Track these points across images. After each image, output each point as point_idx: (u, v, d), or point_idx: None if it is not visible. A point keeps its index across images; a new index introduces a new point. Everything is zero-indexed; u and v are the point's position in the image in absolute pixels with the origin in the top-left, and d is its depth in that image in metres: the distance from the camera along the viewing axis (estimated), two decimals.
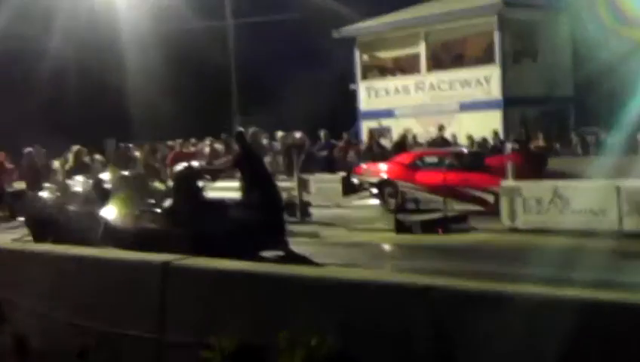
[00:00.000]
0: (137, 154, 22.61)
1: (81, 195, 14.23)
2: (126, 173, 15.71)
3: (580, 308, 4.70)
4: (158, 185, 14.59)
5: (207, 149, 23.33)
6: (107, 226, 12.66)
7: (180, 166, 13.76)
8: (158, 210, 12.49)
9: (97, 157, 21.19)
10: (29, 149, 21.23)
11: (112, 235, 12.30)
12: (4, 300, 8.20)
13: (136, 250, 8.27)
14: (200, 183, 13.35)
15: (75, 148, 19.48)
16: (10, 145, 22.97)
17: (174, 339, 6.46)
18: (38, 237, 14.12)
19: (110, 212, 12.89)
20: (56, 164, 23.32)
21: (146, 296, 6.83)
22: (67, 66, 33.85)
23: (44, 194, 15.67)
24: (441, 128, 25.05)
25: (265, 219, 12.70)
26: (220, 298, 6.37)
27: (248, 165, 13.08)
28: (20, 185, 21.22)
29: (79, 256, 8.25)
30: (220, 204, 13.35)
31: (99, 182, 14.11)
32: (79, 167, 17.99)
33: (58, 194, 15.05)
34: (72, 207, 13.94)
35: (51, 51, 32.63)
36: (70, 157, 19.62)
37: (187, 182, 12.92)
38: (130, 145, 23.78)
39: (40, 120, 30.84)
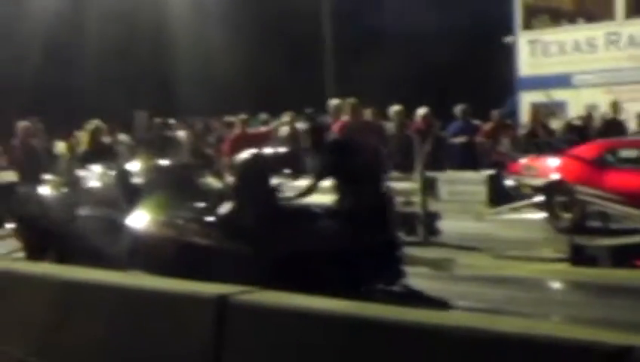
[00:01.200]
0: (181, 134, 22.96)
1: (99, 193, 14.31)
2: (165, 162, 15.83)
3: None
4: (212, 180, 14.60)
5: (284, 130, 23.46)
6: (137, 239, 12.76)
7: (246, 154, 13.76)
8: (212, 218, 12.58)
9: (122, 137, 21.58)
10: (23, 123, 21.68)
11: (144, 253, 12.42)
12: None
13: (178, 276, 8.27)
14: (275, 180, 13.41)
15: (92, 124, 19.55)
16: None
17: None
18: (34, 253, 14.30)
19: (141, 218, 12.99)
20: (60, 146, 23.80)
21: (194, 342, 6.91)
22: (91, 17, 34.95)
23: (44, 189, 15.78)
24: (614, 106, 24.63)
25: (371, 237, 12.71)
26: (298, 348, 6.38)
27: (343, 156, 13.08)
28: (8, 175, 21.65)
29: (96, 282, 8.37)
30: (304, 213, 13.40)
31: (125, 175, 14.16)
32: (96, 152, 18.04)
33: (65, 190, 15.17)
34: (84, 210, 14.00)
35: None
36: (84, 136, 19.79)
37: (256, 179, 12.96)
38: (172, 121, 24.18)
39: (42, 82, 31.76)
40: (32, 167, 19.71)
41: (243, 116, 22.93)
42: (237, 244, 11.85)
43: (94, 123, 19.16)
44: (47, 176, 18.44)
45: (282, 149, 16.23)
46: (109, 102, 27.87)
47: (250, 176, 12.98)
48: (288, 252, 11.50)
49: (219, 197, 13.12)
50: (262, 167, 13.31)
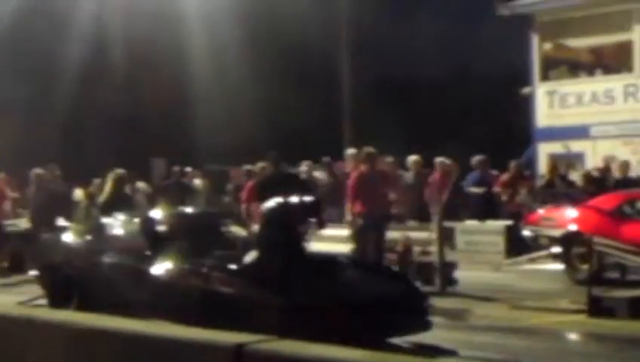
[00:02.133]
0: (198, 182, 23.00)
1: (123, 240, 14.27)
2: (188, 209, 15.82)
3: None
4: (236, 229, 14.55)
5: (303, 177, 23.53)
6: (161, 288, 12.75)
7: (272, 202, 13.74)
8: (237, 267, 12.57)
9: (140, 185, 21.57)
10: (38, 170, 21.70)
11: (168, 301, 12.36)
12: None
13: (202, 325, 8.22)
14: (301, 228, 13.41)
15: (116, 173, 19.47)
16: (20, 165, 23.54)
17: None
18: (56, 300, 14.16)
19: (165, 266, 12.99)
20: (78, 193, 23.84)
21: None
22: (105, 62, 35.08)
23: (67, 236, 15.72)
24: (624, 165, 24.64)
25: (398, 287, 12.73)
26: None
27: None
28: (22, 222, 21.66)
29: (117, 330, 8.35)
30: (330, 262, 13.41)
31: (149, 222, 14.15)
32: (118, 200, 18.07)
33: (88, 237, 15.10)
34: (108, 258, 13.91)
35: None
36: (107, 184, 19.75)
37: (281, 227, 12.96)
38: (189, 169, 24.23)
39: (63, 130, 31.89)
40: (47, 213, 19.73)
41: (262, 164, 22.88)
42: (263, 293, 11.81)
43: (118, 172, 19.09)
44: (64, 223, 18.50)
45: (308, 198, 16.17)
46: (125, 149, 27.91)
47: (276, 224, 12.99)
48: (315, 301, 11.48)
49: (244, 245, 13.14)
50: (288, 216, 13.32)
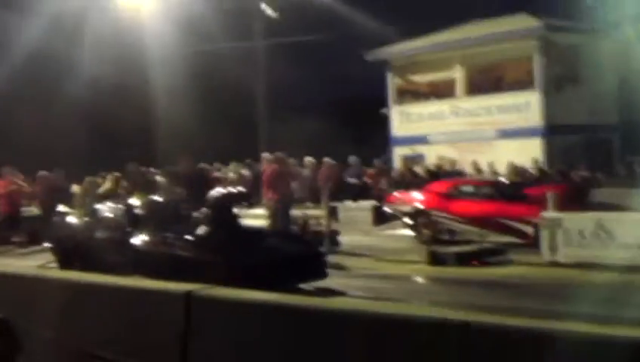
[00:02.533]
0: (159, 178, 22.70)
1: (111, 221, 14.10)
2: (157, 197, 15.69)
3: (634, 349, 4.61)
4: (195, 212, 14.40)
5: (231, 175, 23.39)
6: (137, 254, 12.64)
7: (215, 192, 13.76)
8: (191, 237, 12.48)
9: (123, 182, 21.25)
10: (42, 172, 21.37)
11: (142, 263, 12.24)
12: (20, 328, 8.20)
13: (167, 278, 8.16)
14: (235, 209, 13.42)
15: (114, 174, 19.55)
16: (31, 166, 22.97)
17: None
18: (64, 264, 14.01)
19: (140, 238, 12.91)
20: (75, 187, 23.44)
21: (167, 327, 6.79)
22: (93, 86, 34.32)
23: (71, 218, 15.57)
24: (439, 163, 25.21)
25: (304, 249, 12.78)
26: (247, 330, 6.32)
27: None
28: (33, 210, 21.22)
29: (99, 283, 8.24)
30: (256, 232, 13.41)
31: (129, 207, 14.05)
32: (114, 193, 18.02)
33: (86, 219, 14.92)
34: (100, 233, 13.84)
35: (79, 72, 33.21)
36: (108, 182, 19.58)
37: (222, 209, 12.94)
38: (152, 169, 23.91)
39: (63, 140, 31.22)
40: (52, 202, 19.47)
41: (203, 166, 22.80)
42: (209, 256, 11.81)
43: (116, 174, 19.36)
44: (63, 208, 18.22)
45: (240, 188, 16.20)
46: (109, 156, 27.46)
47: (219, 207, 12.97)
48: (247, 261, 11.52)
49: (195, 222, 13.09)
50: (227, 201, 13.32)
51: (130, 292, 7.62)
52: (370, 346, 5.59)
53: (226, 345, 6.34)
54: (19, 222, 21.03)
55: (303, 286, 11.81)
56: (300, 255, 12.55)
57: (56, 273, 11.91)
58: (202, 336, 6.58)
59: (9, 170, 21.60)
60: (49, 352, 7.67)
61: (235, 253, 11.83)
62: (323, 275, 12.28)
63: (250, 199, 16.01)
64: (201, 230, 12.58)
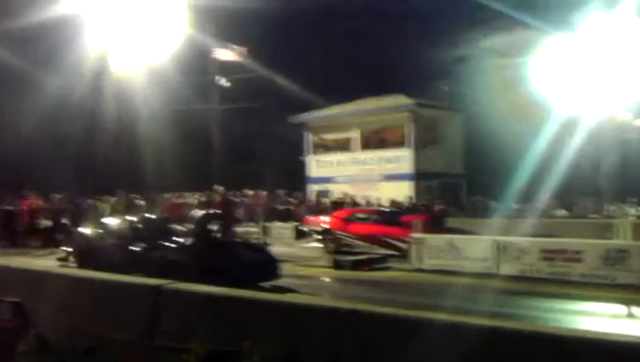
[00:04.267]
0: (141, 202, 22.24)
1: (116, 232, 13.48)
2: (151, 215, 15.27)
3: (478, 333, 4.67)
4: (178, 226, 13.85)
5: (193, 201, 23.05)
6: (139, 257, 12.13)
7: (199, 212, 13.48)
8: (178, 246, 12.12)
9: (118, 205, 20.75)
10: (55, 195, 20.73)
11: (143, 263, 11.68)
12: (31, 310, 7.91)
13: (157, 276, 7.84)
14: (214, 226, 13.15)
15: (122, 195, 19.05)
16: (41, 187, 22.16)
17: (161, 344, 6.28)
18: (81, 264, 13.28)
19: (139, 245, 12.44)
20: (98, 204, 22.85)
21: (141, 310, 6.65)
22: (93, 129, 33.36)
23: (86, 229, 14.67)
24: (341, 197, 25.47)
25: (264, 256, 12.56)
26: (199, 313, 6.24)
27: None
28: (47, 223, 20.45)
29: (90, 277, 8.03)
30: (229, 243, 13.13)
31: (131, 222, 13.49)
32: (119, 210, 17.55)
33: (98, 230, 14.14)
34: (108, 241, 13.20)
35: (82, 119, 32.27)
36: (114, 202, 19.10)
37: (204, 225, 12.66)
38: (136, 195, 23.41)
39: (69, 170, 30.22)
40: (61, 217, 18.94)
41: (175, 194, 22.55)
42: (192, 260, 11.48)
43: (124, 195, 18.87)
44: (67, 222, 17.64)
45: (216, 210, 15.90)
46: (103, 184, 26.67)
47: (201, 223, 12.68)
48: (216, 263, 11.23)
49: (184, 234, 12.76)
50: (206, 219, 13.05)
51: (115, 284, 7.45)
52: (285, 326, 5.57)
53: (185, 323, 6.24)
54: (36, 232, 20.28)
55: (262, 284, 11.47)
56: (260, 261, 12.22)
57: (60, 269, 11.45)
58: (167, 318, 6.46)
59: (32, 193, 20.89)
60: (51, 328, 7.40)
61: (210, 258, 11.51)
62: (277, 277, 12.03)
63: (222, 218, 15.68)
64: (186, 240, 12.26)
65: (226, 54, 30.39)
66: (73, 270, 12.12)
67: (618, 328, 8.61)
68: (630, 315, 10.10)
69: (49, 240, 18.98)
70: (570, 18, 23.03)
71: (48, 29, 22.64)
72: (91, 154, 33.13)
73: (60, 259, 14.87)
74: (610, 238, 14.78)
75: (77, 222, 17.75)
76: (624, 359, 4.16)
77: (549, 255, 12.79)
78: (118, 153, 33.72)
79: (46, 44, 27.55)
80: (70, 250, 14.70)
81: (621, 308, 10.35)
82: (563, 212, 23.44)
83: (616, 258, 12.04)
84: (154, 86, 29.52)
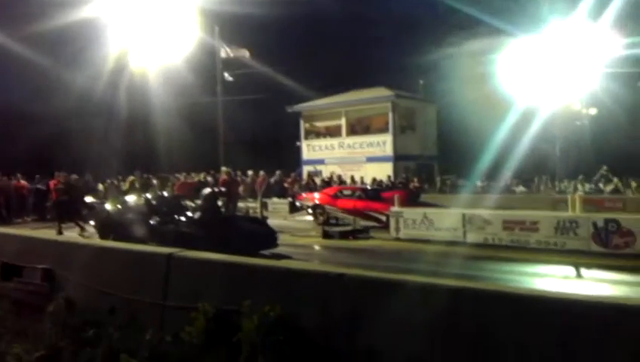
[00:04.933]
0: (154, 181, 22.04)
1: (135, 208, 13.24)
2: (165, 193, 15.10)
3: (447, 293, 4.67)
4: (188, 202, 13.65)
5: (201, 179, 22.87)
6: (154, 229, 11.99)
7: (207, 190, 13.32)
8: (189, 219, 11.96)
9: (135, 184, 20.44)
10: (74, 176, 20.31)
11: (157, 235, 11.59)
12: (59, 275, 7.84)
13: (175, 245, 7.75)
14: (219, 202, 13.00)
15: (130, 178, 18.83)
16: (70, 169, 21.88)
17: (173, 304, 6.26)
18: (103, 235, 13.14)
19: (154, 220, 12.29)
20: (100, 186, 22.59)
21: (156, 275, 6.61)
22: (117, 122, 33.07)
23: (108, 205, 14.41)
24: (331, 176, 24.95)
25: (264, 227, 12.50)
26: (205, 277, 6.21)
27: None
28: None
29: (113, 247, 7.97)
30: (232, 217, 13.00)
31: (147, 199, 13.24)
32: (133, 190, 17.23)
33: (119, 206, 13.93)
34: (128, 215, 12.99)
35: (107, 112, 32.00)
36: (127, 183, 18.86)
37: (211, 201, 12.53)
38: (150, 175, 23.21)
39: (92, 154, 29.99)
40: (75, 195, 18.59)
41: (184, 174, 22.32)
42: (201, 231, 11.40)
43: (131, 178, 18.63)
44: (90, 199, 17.37)
45: (222, 188, 15.68)
46: (122, 165, 26.45)
47: (209, 200, 12.54)
48: (222, 234, 11.12)
49: (193, 209, 12.65)
50: (214, 196, 12.91)
51: (133, 252, 7.40)
52: (280, 288, 5.55)
53: (193, 286, 6.21)
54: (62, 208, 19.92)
55: (262, 252, 11.50)
56: (260, 232, 12.15)
57: (85, 240, 11.34)
58: (178, 281, 6.43)
59: (60, 174, 20.61)
60: (78, 292, 7.34)
61: (216, 230, 11.40)
62: (275, 246, 11.97)
63: (225, 195, 15.53)
64: (196, 215, 12.15)
65: (231, 53, 30.08)
66: (96, 240, 12.04)
67: (568, 287, 8.71)
68: (579, 276, 10.19)
69: (72, 214, 18.78)
70: (534, 23, 23.10)
71: (74, 31, 22.28)
72: (112, 141, 32.89)
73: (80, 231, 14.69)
74: (562, 211, 14.88)
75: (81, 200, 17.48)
76: (575, 316, 4.17)
77: (509, 225, 12.85)
78: (135, 140, 33.52)
79: (73, 45, 27.19)
80: (94, 223, 14.59)
81: (571, 270, 10.44)
82: (522, 188, 23.54)
83: (566, 228, 12.11)
84: (167, 82, 29.25)
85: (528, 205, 16.81)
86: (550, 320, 4.20)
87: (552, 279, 9.73)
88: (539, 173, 25.22)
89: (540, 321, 4.22)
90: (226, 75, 30.80)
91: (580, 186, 22.00)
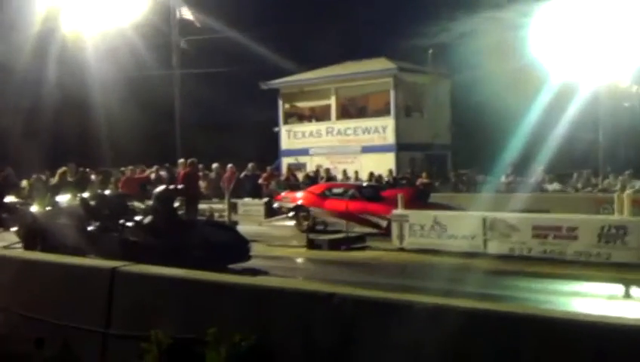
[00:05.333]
0: (93, 177, 21.92)
1: (68, 210, 13.24)
2: (107, 192, 15.05)
3: (462, 316, 4.70)
4: (136, 203, 13.67)
5: (153, 175, 22.79)
6: (91, 237, 11.99)
7: (160, 188, 13.28)
8: (137, 225, 11.96)
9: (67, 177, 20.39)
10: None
11: (94, 245, 11.61)
12: None
13: (118, 258, 7.71)
14: (176, 203, 13.00)
15: (61, 170, 18.62)
16: None
17: (118, 332, 6.25)
18: (28, 245, 13.08)
19: (94, 225, 12.28)
20: (24, 183, 22.47)
21: (95, 296, 6.60)
22: (45, 102, 32.80)
23: (34, 208, 14.44)
24: (317, 170, 25.20)
25: (232, 235, 12.47)
26: (159, 298, 6.21)
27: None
28: None
29: (39, 260, 7.95)
30: (194, 222, 12.99)
31: (85, 201, 13.14)
32: (63, 185, 17.14)
33: (47, 208, 13.91)
34: (59, 220, 12.92)
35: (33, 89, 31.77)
36: (56, 176, 18.70)
37: (165, 202, 12.51)
38: (88, 169, 23.10)
39: (16, 145, 29.75)
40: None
41: (131, 167, 22.16)
42: (153, 240, 11.41)
43: (62, 169, 18.37)
44: (13, 198, 17.27)
45: (178, 186, 15.67)
46: (50, 157, 26.27)
47: (162, 200, 12.51)
48: (180, 244, 11.18)
49: (143, 212, 12.60)
50: (169, 195, 12.89)
51: (67, 267, 7.38)
52: (255, 310, 5.58)
53: (144, 310, 6.22)
54: None
55: (231, 266, 11.40)
56: (228, 241, 12.14)
57: (4, 251, 11.26)
58: (124, 303, 6.43)
59: None
60: None
61: (173, 238, 11.39)
62: (247, 259, 11.96)
63: (185, 194, 15.50)
64: (146, 219, 12.12)
65: (189, 14, 30.01)
66: (19, 252, 11.96)
67: (615, 310, 8.81)
68: (627, 296, 10.31)
69: None
70: None
71: None
72: (38, 127, 32.65)
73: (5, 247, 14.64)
74: (607, 214, 15.02)
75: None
76: (621, 343, 4.24)
77: (541, 232, 12.95)
78: (67, 125, 33.30)
79: None
80: (16, 229, 14.50)
81: (618, 288, 10.57)
82: (556, 186, 23.75)
83: (613, 235, 12.24)
84: (109, 51, 29.07)
85: (565, 207, 16.98)
86: (591, 349, 4.27)
87: (595, 299, 9.83)
88: (578, 167, 25.48)
89: (580, 350, 4.28)
90: (183, 42, 30.73)
91: (628, 184, 22.25)
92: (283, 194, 20.23)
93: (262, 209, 21.10)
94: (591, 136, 26.88)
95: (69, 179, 18.03)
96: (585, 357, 4.28)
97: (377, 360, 4.94)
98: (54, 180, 18.35)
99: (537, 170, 23.34)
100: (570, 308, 8.73)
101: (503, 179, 23.64)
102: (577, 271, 11.54)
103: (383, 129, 28.75)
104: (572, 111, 22.73)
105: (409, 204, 15.58)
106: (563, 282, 10.97)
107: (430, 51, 30.88)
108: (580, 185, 24.04)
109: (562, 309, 7.97)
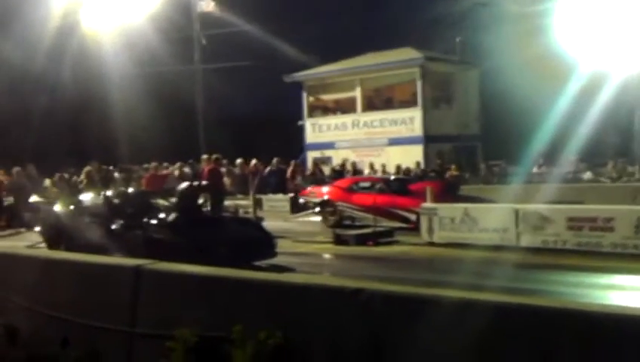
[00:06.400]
0: (116, 174, 22.15)
1: (91, 209, 13.30)
2: (131, 189, 15.15)
3: (495, 312, 4.64)
4: (161, 201, 13.70)
5: (176, 172, 22.96)
6: (114, 236, 12.05)
7: (184, 185, 13.34)
8: (163, 223, 11.99)
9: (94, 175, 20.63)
10: (16, 168, 20.57)
11: (119, 244, 11.61)
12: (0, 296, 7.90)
13: (144, 256, 7.75)
14: (200, 200, 13.05)
15: (86, 169, 18.94)
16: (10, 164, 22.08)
17: (143, 331, 6.28)
18: (52, 245, 13.23)
19: (118, 224, 12.34)
20: (47, 182, 22.74)
21: (120, 294, 6.64)
22: (63, 100, 33.22)
23: (57, 207, 14.50)
24: (343, 164, 25.66)
25: (259, 232, 12.49)
26: (183, 296, 6.23)
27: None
28: (9, 199, 20.33)
29: (64, 259, 8.01)
30: (219, 219, 13.03)
31: (108, 199, 13.30)
32: (91, 183, 17.38)
33: (71, 207, 13.99)
34: (83, 219, 13.00)
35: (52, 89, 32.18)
36: (82, 175, 18.98)
37: (189, 199, 12.55)
38: (111, 167, 23.33)
39: (36, 140, 30.15)
40: (23, 195, 18.78)
41: (154, 164, 22.33)
42: (178, 238, 11.42)
43: (88, 169, 18.70)
44: (36, 198, 17.49)
45: (204, 182, 15.73)
46: (73, 156, 26.60)
47: (186, 197, 12.56)
48: (205, 241, 11.18)
49: (167, 210, 12.66)
50: (193, 192, 12.93)
51: (90, 266, 7.43)
52: (281, 308, 5.55)
53: (169, 308, 6.24)
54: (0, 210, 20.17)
55: (257, 263, 11.48)
56: (254, 238, 12.14)
57: (27, 251, 11.34)
58: (149, 302, 6.46)
59: None
60: (22, 318, 7.38)
61: (197, 236, 11.42)
62: (273, 255, 11.96)
63: (210, 191, 15.56)
64: (170, 216, 12.16)
65: (210, 5, 30.13)
66: (43, 251, 12.10)
67: None
68: None
69: (14, 219, 18.92)
70: None
71: None
72: (57, 125, 33.06)
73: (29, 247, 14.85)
74: None
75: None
76: None
77: (575, 223, 12.79)
78: (88, 123, 33.64)
79: (2, 1, 27.19)
80: (40, 229, 14.64)
81: None
82: (591, 175, 23.45)
83: None
84: (128, 47, 29.28)
85: (598, 197, 16.74)
86: (635, 347, 4.16)
87: (633, 293, 9.71)
88: (613, 155, 25.12)
89: (623, 348, 4.18)
90: (203, 39, 30.86)
91: None
92: (309, 188, 20.25)
93: (287, 204, 21.14)
94: (626, 122, 26.51)
95: (95, 178, 18.29)
96: (629, 356, 4.17)
97: (408, 359, 4.89)
98: (81, 179, 18.62)
99: (572, 160, 23.07)
100: (608, 302, 8.60)
101: (534, 169, 23.42)
102: (614, 264, 11.39)
103: (411, 120, 28.63)
104: (605, 97, 22.41)
105: (438, 197, 15.49)
106: (600, 275, 10.82)
107: (458, 39, 30.61)
108: (615, 175, 23.72)
109: (601, 303, 7.85)
